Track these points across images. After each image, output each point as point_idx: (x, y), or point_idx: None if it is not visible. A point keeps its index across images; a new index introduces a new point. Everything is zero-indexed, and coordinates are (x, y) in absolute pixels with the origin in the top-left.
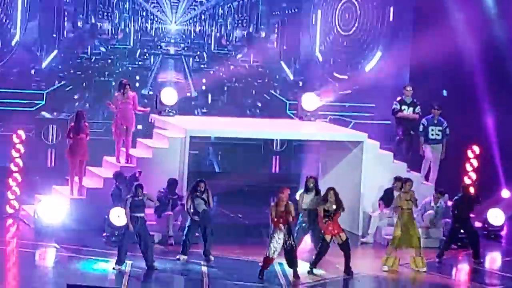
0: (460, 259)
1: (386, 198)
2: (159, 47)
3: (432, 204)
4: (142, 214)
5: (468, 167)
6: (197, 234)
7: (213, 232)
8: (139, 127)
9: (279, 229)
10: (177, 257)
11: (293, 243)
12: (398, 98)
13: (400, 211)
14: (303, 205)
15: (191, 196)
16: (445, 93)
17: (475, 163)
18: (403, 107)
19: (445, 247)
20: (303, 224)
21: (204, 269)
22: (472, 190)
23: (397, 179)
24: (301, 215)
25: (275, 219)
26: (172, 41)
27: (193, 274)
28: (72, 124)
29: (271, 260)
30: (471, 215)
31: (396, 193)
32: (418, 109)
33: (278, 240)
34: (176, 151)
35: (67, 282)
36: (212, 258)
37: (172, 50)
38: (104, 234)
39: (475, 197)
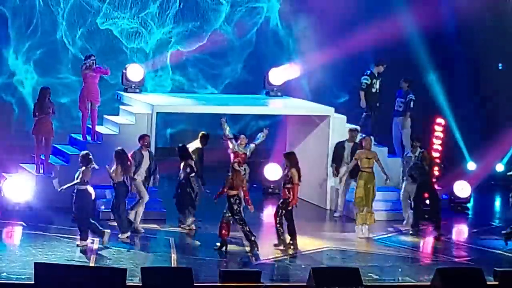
0: (428, 232)
1: (336, 154)
2: None
3: (410, 154)
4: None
5: (434, 139)
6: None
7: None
8: None
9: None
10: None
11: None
12: (369, 72)
13: (360, 171)
14: None
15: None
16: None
17: (440, 135)
18: (373, 80)
19: (416, 216)
20: None
21: (173, 243)
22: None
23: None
24: None
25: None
26: None
27: (162, 248)
28: (37, 101)
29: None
30: (435, 183)
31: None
32: (378, 83)
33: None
34: (143, 127)
35: (34, 260)
36: (141, 230)
37: None
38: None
39: (435, 161)
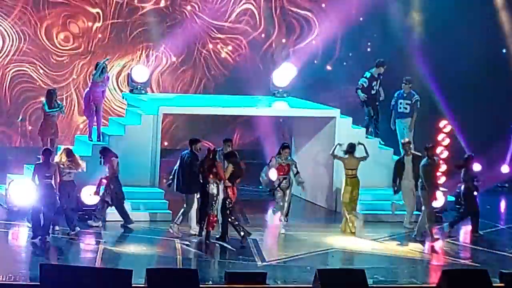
0: (434, 233)
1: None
2: None
3: (426, 163)
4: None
5: (438, 139)
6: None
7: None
8: None
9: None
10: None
11: None
12: (369, 75)
13: (346, 177)
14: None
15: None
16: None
17: (447, 139)
18: (374, 82)
19: (462, 217)
20: None
21: (178, 246)
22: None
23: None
24: None
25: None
26: None
27: (168, 250)
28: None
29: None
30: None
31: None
32: (379, 84)
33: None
34: (149, 128)
35: (40, 261)
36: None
37: None
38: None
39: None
